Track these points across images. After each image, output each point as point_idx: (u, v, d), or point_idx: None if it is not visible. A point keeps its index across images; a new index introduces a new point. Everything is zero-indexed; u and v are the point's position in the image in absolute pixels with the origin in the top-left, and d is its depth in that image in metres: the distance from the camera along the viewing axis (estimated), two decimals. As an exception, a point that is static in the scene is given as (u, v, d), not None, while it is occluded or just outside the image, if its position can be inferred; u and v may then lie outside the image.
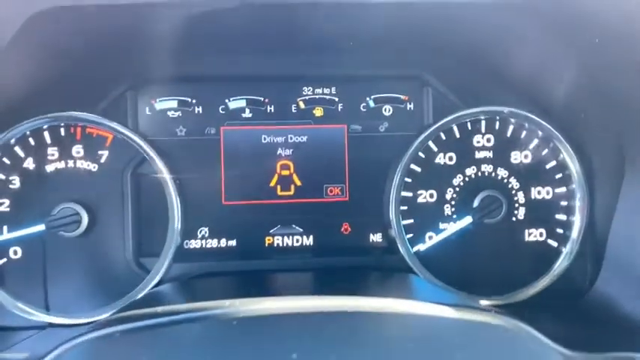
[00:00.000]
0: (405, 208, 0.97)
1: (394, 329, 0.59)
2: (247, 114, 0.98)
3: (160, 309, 0.64)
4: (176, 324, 0.57)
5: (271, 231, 0.97)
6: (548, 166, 0.98)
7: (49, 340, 0.82)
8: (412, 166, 0.96)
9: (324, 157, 0.99)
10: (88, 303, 0.91)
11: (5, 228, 0.90)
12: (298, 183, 0.98)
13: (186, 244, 0.96)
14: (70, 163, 0.92)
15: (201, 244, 0.97)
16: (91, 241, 0.92)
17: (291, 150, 0.98)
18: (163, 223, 0.94)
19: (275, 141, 0.98)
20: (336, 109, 0.99)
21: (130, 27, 0.80)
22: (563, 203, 0.97)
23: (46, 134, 0.91)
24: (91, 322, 0.70)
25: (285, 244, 0.98)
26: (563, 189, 0.97)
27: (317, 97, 0.99)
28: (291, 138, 0.98)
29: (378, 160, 0.98)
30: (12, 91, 0.86)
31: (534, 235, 0.98)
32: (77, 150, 0.92)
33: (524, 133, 0.97)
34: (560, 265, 0.97)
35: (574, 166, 0.96)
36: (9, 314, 0.89)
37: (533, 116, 0.95)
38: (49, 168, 0.91)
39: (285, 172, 0.98)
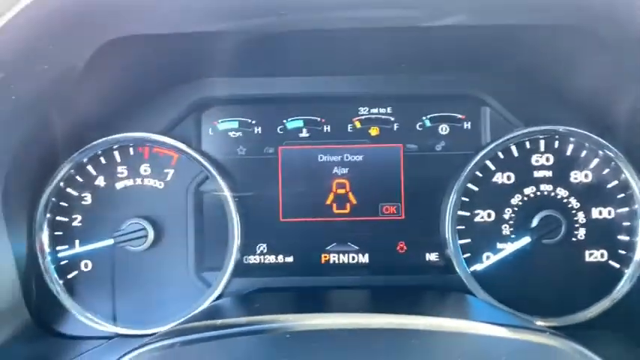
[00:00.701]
0: (462, 227, 0.97)
1: (447, 347, 0.59)
2: (304, 134, 1.01)
3: (219, 322, 0.67)
4: (234, 336, 0.60)
5: (327, 248, 0.99)
6: (609, 186, 0.96)
7: (115, 350, 0.86)
8: (469, 185, 0.96)
9: (380, 176, 1.00)
10: (152, 315, 0.95)
11: (77, 242, 0.96)
12: (354, 201, 1.00)
13: (246, 259, 0.99)
14: (138, 181, 0.97)
15: (260, 260, 1.00)
16: (155, 255, 0.96)
17: (347, 169, 1.00)
18: (224, 238, 0.98)
19: (331, 160, 1.00)
20: (392, 129, 1.00)
21: (195, 52, 0.85)
22: (626, 224, 0.95)
23: (116, 153, 0.96)
24: (155, 333, 0.73)
25: (341, 262, 1.00)
26: (625, 209, 0.95)
27: (373, 116, 1.01)
28: (347, 157, 1.00)
29: (435, 179, 0.98)
30: (85, 113, 0.92)
31: (595, 256, 0.96)
32: (145, 168, 0.97)
33: (584, 153, 0.96)
34: (622, 287, 0.94)
35: (636, 186, 0.94)
36: (79, 324, 0.95)
37: (593, 135, 0.93)
38: (119, 185, 0.97)
39: (341, 191, 1.00)
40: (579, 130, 0.95)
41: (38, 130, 0.85)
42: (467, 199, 0.97)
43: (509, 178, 0.97)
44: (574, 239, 0.96)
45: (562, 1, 0.65)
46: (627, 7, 0.67)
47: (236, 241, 0.97)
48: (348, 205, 1.00)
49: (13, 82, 0.69)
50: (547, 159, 0.97)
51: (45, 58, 0.73)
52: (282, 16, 0.65)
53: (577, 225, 0.96)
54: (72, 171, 0.96)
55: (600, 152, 0.95)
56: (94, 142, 0.95)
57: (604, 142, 0.94)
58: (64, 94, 0.81)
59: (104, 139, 0.95)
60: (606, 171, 0.96)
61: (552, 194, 0.97)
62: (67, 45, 0.72)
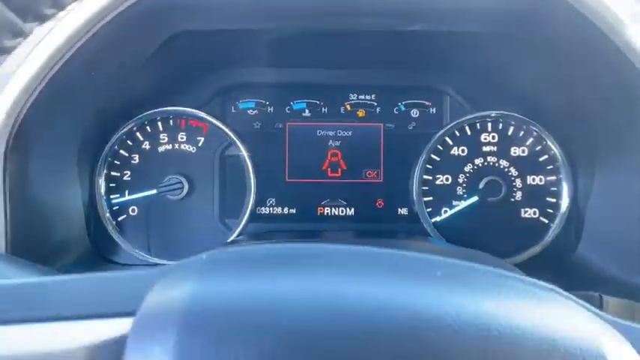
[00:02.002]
0: (426, 188, 1.24)
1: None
2: (307, 113, 1.27)
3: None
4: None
5: (322, 203, 1.26)
6: (540, 159, 1.23)
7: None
8: (432, 155, 1.23)
9: (365, 148, 1.26)
10: (183, 250, 1.21)
11: (127, 192, 1.22)
12: (344, 167, 1.27)
13: (258, 210, 1.26)
14: (176, 146, 1.23)
15: (269, 211, 1.26)
16: (188, 204, 1.22)
17: (339, 142, 1.27)
18: (242, 193, 1.23)
19: (327, 134, 1.27)
20: (375, 111, 1.27)
21: (228, 47, 1.12)
22: (553, 189, 1.22)
23: (159, 124, 1.22)
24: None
25: (332, 214, 1.26)
26: (552, 177, 1.22)
27: (360, 101, 1.28)
28: (339, 132, 1.27)
29: (407, 151, 1.25)
30: (137, 91, 1.18)
31: (529, 213, 1.24)
32: (181, 136, 1.23)
33: (521, 133, 1.23)
34: (549, 237, 1.21)
35: (561, 160, 1.22)
36: (126, 254, 1.20)
37: (528, 119, 1.21)
38: (160, 149, 1.23)
39: (334, 159, 1.27)
40: (518, 115, 1.22)
41: (103, 104, 1.11)
42: (430, 167, 1.24)
43: (463, 151, 1.25)
44: (512, 199, 1.24)
45: (491, 11, 0.92)
46: (545, 14, 0.93)
47: (252, 196, 1.23)
48: (339, 170, 1.27)
49: (95, 67, 0.95)
50: (493, 137, 1.25)
51: (121, 47, 1.00)
52: (306, 20, 0.92)
53: (515, 189, 1.24)
54: (124, 137, 1.22)
55: (534, 132, 1.22)
56: (142, 114, 1.21)
57: (537, 124, 1.22)
58: (127, 76, 1.08)
59: (150, 112, 1.21)
60: (538, 147, 1.24)
61: (496, 164, 1.24)
62: (140, 37, 0.99)
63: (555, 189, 1.22)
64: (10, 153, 0.86)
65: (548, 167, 1.23)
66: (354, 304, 0.40)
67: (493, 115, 1.22)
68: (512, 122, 1.22)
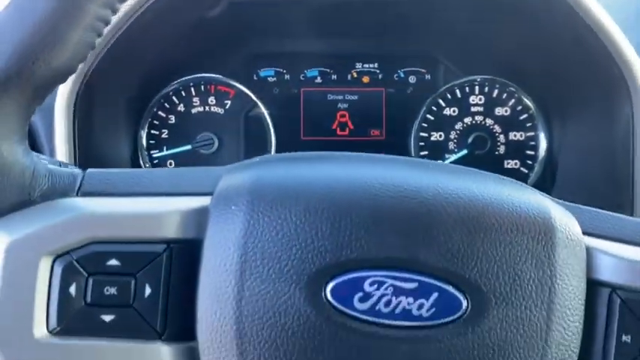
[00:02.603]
0: (423, 144, 1.43)
1: None
2: (319, 80, 1.47)
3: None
4: None
5: (333, 157, 1.46)
6: (521, 118, 1.43)
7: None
8: (428, 115, 1.43)
9: (369, 110, 1.45)
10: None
11: (165, 147, 1.41)
12: (351, 127, 1.46)
13: (277, 163, 1.45)
14: (207, 108, 1.42)
15: (287, 164, 1.46)
16: (218, 158, 1.41)
17: (347, 104, 1.46)
18: (264, 148, 1.43)
19: (336, 98, 1.46)
20: (378, 78, 1.46)
21: (256, 18, 1.32)
22: (532, 143, 1.42)
23: (192, 89, 1.42)
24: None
25: (341, 166, 1.46)
26: (531, 133, 1.42)
27: (365, 69, 1.47)
28: (347, 96, 1.46)
29: (405, 113, 1.43)
30: (175, 58, 1.38)
31: (511, 164, 1.43)
32: (211, 99, 1.42)
33: (504, 95, 1.42)
34: (529, 183, 1.41)
35: (539, 119, 1.41)
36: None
37: (509, 82, 1.41)
38: (193, 110, 1.42)
39: (343, 119, 1.47)
40: (502, 79, 1.42)
41: (148, 68, 1.31)
42: (426, 125, 1.43)
43: (454, 111, 1.44)
44: (496, 153, 1.43)
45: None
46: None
47: (272, 151, 1.43)
48: (347, 129, 1.46)
49: (153, 30, 1.15)
50: (480, 99, 1.44)
51: (178, 12, 1.18)
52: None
53: (499, 143, 1.43)
54: (162, 100, 1.41)
55: (516, 95, 1.42)
56: (178, 80, 1.41)
57: (518, 88, 1.42)
58: (173, 42, 1.27)
59: (184, 78, 1.41)
60: (519, 107, 1.43)
61: (482, 122, 1.43)
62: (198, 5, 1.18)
63: (534, 143, 1.41)
64: (81, 99, 1.05)
65: (528, 124, 1.42)
66: (384, 182, 0.58)
67: (479, 79, 1.42)
68: (496, 85, 1.42)
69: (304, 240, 0.54)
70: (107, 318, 0.55)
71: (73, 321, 0.54)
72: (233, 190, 0.57)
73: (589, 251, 0.58)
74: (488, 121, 1.43)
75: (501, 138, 1.42)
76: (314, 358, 0.53)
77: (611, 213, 0.63)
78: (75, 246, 0.54)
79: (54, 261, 0.54)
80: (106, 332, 0.55)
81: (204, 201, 0.58)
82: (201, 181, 0.61)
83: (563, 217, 0.58)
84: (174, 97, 1.41)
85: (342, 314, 0.53)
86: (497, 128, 1.42)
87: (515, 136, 1.42)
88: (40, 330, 0.54)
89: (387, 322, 0.53)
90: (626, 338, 0.56)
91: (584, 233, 0.59)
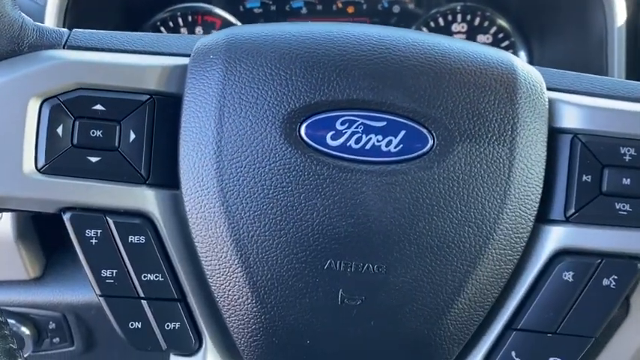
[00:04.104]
0: (406, 71, 1.47)
1: None
2: (304, 11, 1.49)
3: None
4: None
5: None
6: (503, 45, 1.46)
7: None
8: (411, 43, 1.46)
9: (354, 40, 1.49)
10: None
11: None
12: (337, 56, 1.49)
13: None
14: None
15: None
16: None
17: (332, 34, 1.49)
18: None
19: (322, 28, 1.49)
20: (362, 8, 1.48)
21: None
22: (513, 69, 1.46)
23: (179, 18, 1.44)
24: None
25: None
26: (512, 60, 1.46)
27: (350, 0, 1.50)
28: (332, 26, 1.49)
29: (390, 42, 1.48)
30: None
31: (493, 90, 1.47)
32: (199, 30, 1.44)
33: (486, 22, 1.45)
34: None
35: (519, 45, 1.45)
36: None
37: (488, 8, 1.44)
38: (181, 40, 1.45)
39: (328, 49, 1.50)
40: (482, 6, 1.45)
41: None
42: (410, 53, 1.47)
43: (437, 39, 1.47)
44: (479, 79, 1.47)
45: None
46: None
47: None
48: (332, 59, 1.50)
49: None
50: (462, 27, 1.46)
51: None
52: None
53: (481, 70, 1.47)
54: (149, 30, 1.44)
55: (497, 21, 1.45)
56: (165, 10, 1.43)
57: (498, 13, 1.45)
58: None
59: (172, 7, 1.43)
60: (501, 35, 1.46)
61: (465, 49, 1.47)
62: None
63: (515, 70, 1.45)
64: (71, 8, 1.08)
65: (509, 51, 1.45)
66: (356, 34, 0.61)
67: (459, 8, 1.45)
68: (478, 12, 1.44)
69: (279, 83, 0.57)
70: (93, 159, 0.58)
71: (61, 160, 0.57)
72: (210, 45, 0.60)
73: (552, 103, 0.62)
74: (471, 49, 1.45)
75: (483, 65, 1.45)
76: (289, 192, 0.56)
77: (572, 72, 0.67)
78: (62, 90, 0.57)
79: (42, 104, 0.57)
80: (92, 173, 0.58)
81: (184, 60, 0.61)
82: (182, 43, 0.64)
83: (526, 69, 0.62)
84: (161, 27, 1.43)
85: (315, 151, 0.57)
86: (479, 55, 1.45)
87: (496, 62, 1.45)
88: (28, 166, 0.57)
89: (357, 157, 0.57)
90: (586, 178, 0.60)
91: (548, 89, 0.63)
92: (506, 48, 1.44)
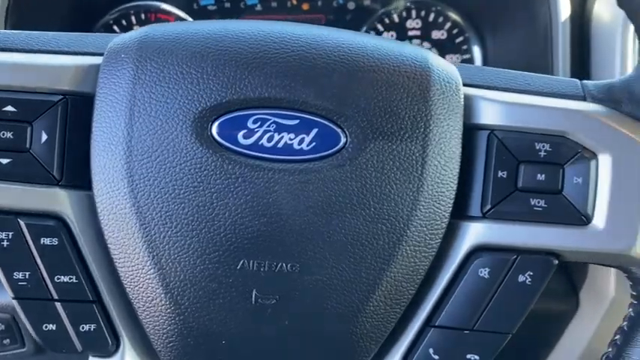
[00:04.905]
0: (362, 68, 1.47)
1: None
2: (259, 8, 1.48)
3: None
4: None
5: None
6: (457, 41, 1.46)
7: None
8: (366, 40, 1.46)
9: (310, 37, 1.49)
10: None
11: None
12: (292, 54, 1.49)
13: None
14: (147, 36, 1.44)
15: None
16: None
17: (288, 32, 1.49)
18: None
19: (277, 26, 1.49)
20: (317, 4, 1.48)
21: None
22: (466, 56, 1.47)
23: (133, 17, 1.43)
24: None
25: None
26: (467, 56, 1.46)
27: (304, -4, 1.50)
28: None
29: (345, 39, 1.48)
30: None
31: (448, 86, 1.48)
32: (151, 27, 1.44)
33: (441, 18, 1.46)
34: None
35: (473, 39, 1.45)
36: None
37: (442, 3, 1.44)
38: (134, 39, 1.44)
39: (284, 46, 1.49)
40: (436, 1, 1.46)
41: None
42: (365, 50, 1.47)
43: (392, 35, 1.47)
44: (434, 75, 1.47)
45: None
46: None
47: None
48: (288, 56, 1.49)
49: None
50: (417, 23, 1.47)
51: None
52: None
53: (436, 66, 1.47)
54: (102, 29, 1.42)
55: (451, 16, 1.46)
56: (118, 8, 1.42)
57: (453, 10, 1.45)
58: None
59: (124, 6, 1.42)
60: (455, 31, 1.47)
61: (420, 45, 1.47)
62: None
63: (469, 56, 1.46)
64: (12, 8, 1.06)
65: (463, 47, 1.45)
66: (268, 31, 0.61)
67: (414, 5, 1.45)
68: (432, 8, 1.45)
69: (190, 82, 0.57)
70: (4, 161, 0.57)
71: None
72: (123, 43, 0.60)
73: (469, 99, 0.62)
74: (426, 45, 1.46)
75: (438, 61, 1.46)
76: (201, 191, 0.56)
77: (491, 68, 0.67)
78: None
79: None
80: (3, 175, 0.57)
81: (99, 59, 0.60)
82: (98, 42, 0.64)
83: (442, 65, 0.62)
84: (114, 26, 1.42)
85: (226, 149, 0.57)
86: (434, 52, 1.45)
87: (452, 58, 1.46)
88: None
89: (269, 156, 0.57)
90: (502, 174, 0.60)
91: (465, 85, 0.63)
92: (460, 44, 1.44)
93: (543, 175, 0.59)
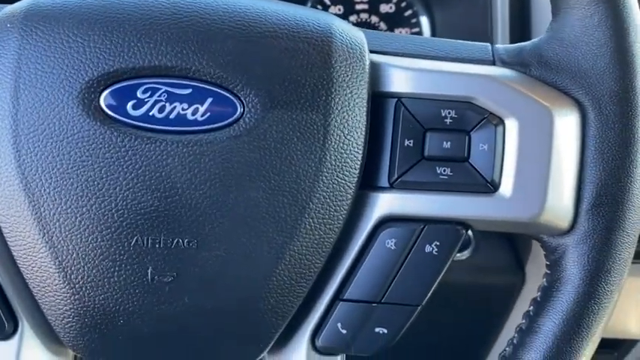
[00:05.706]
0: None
1: None
2: None
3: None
4: None
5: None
6: (405, 14, 1.44)
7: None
8: (314, 15, 1.44)
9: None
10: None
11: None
12: (239, 29, 1.46)
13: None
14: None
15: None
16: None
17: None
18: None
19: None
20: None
21: None
22: (415, 30, 1.45)
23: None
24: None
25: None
26: (416, 29, 1.44)
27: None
28: None
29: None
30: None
31: (397, 61, 1.46)
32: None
33: (389, -8, 1.44)
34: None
35: (422, 13, 1.43)
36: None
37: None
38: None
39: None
40: (384, -24, 1.44)
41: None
42: (313, 25, 1.44)
43: (339, 9, 1.43)
44: (383, 50, 1.46)
45: None
46: None
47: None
48: (234, 32, 1.46)
49: None
50: (365, -4, 1.46)
51: None
52: None
53: (385, 40, 1.45)
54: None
55: (399, -9, 1.44)
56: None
57: (400, -18, 1.43)
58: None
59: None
60: (403, 4, 1.44)
61: (368, 20, 1.44)
62: None
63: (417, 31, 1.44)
64: None
65: (412, 20, 1.43)
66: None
67: (363, -24, 1.43)
68: (380, -19, 1.43)
69: (77, 51, 0.54)
70: None
71: None
72: (10, 13, 0.57)
73: (377, 66, 0.60)
74: (374, 19, 1.43)
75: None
76: (90, 166, 0.54)
77: (402, 35, 0.65)
78: None
79: None
80: None
81: None
82: None
83: (346, 31, 0.60)
84: None
85: (115, 121, 0.54)
86: (382, 25, 1.43)
87: (400, 32, 1.44)
88: None
89: (161, 127, 0.54)
90: (408, 143, 0.59)
91: (372, 52, 0.61)
92: (409, 17, 1.42)
93: (449, 143, 0.58)
